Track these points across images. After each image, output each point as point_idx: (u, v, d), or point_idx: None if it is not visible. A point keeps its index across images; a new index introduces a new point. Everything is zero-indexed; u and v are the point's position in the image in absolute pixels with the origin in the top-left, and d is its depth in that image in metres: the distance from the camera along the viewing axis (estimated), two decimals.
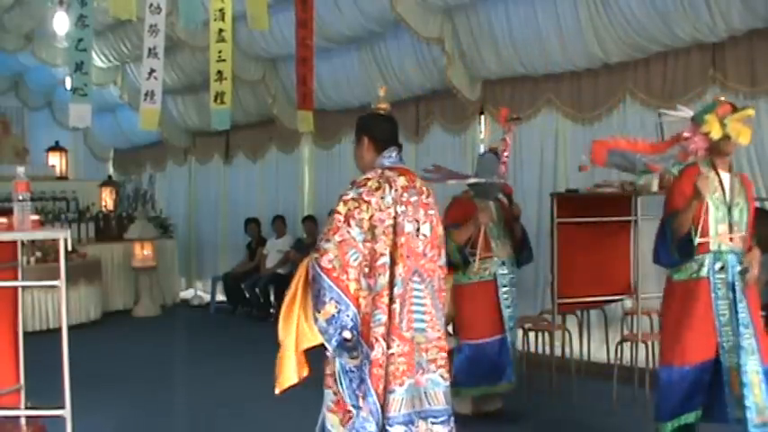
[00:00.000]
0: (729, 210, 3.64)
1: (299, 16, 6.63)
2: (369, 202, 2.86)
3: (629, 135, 5.54)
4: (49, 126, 13.22)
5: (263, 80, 9.23)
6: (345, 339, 2.81)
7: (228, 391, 5.81)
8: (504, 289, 4.88)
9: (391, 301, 2.85)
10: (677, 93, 5.95)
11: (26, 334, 3.80)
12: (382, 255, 2.85)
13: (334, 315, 2.79)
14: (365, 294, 2.85)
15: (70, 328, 3.53)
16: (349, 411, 2.84)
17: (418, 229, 2.94)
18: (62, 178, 11.46)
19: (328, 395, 2.90)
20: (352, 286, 2.82)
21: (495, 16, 6.76)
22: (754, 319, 3.59)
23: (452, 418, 2.98)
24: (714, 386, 3.62)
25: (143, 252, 9.79)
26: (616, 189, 5.12)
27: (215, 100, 7.01)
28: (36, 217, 3.55)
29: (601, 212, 5.28)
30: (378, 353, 2.81)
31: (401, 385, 2.84)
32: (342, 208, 2.85)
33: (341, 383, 2.87)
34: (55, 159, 11.75)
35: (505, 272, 4.92)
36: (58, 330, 3.44)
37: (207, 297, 10.73)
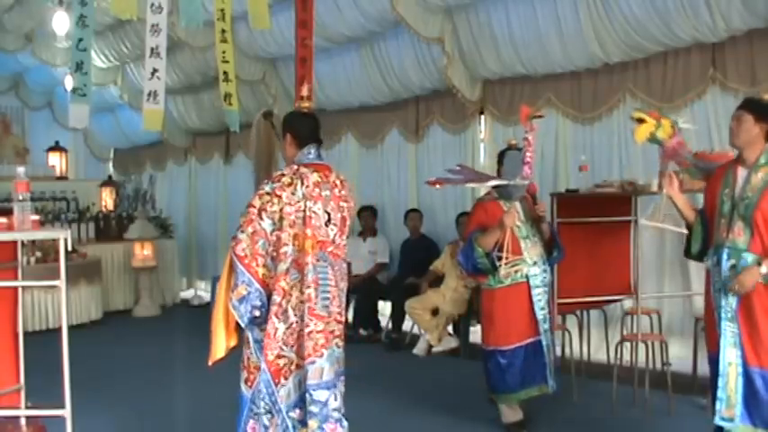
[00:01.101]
0: (734, 205, 3.55)
1: (299, 16, 6.63)
2: (280, 197, 3.24)
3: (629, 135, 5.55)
4: (49, 126, 13.22)
5: (263, 80, 9.24)
6: (255, 317, 3.28)
7: (228, 391, 5.79)
8: (537, 290, 4.67)
9: (305, 285, 3.25)
10: (677, 93, 5.96)
11: (26, 334, 3.81)
12: (286, 244, 3.24)
13: (244, 296, 3.25)
14: (270, 277, 3.27)
15: (70, 328, 3.54)
16: (256, 369, 3.33)
17: (329, 220, 3.33)
18: (62, 178, 11.45)
19: (244, 355, 3.40)
20: (261, 271, 3.26)
21: (495, 16, 6.76)
22: (753, 317, 3.51)
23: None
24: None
25: (143, 252, 9.78)
26: (616, 189, 5.12)
27: (224, 100, 7.06)
28: (36, 217, 3.56)
29: (601, 212, 5.27)
30: (270, 327, 3.24)
31: (321, 356, 3.27)
32: (257, 202, 3.27)
33: (252, 350, 3.35)
34: (55, 159, 11.73)
35: (537, 272, 4.69)
36: (58, 330, 3.45)
37: (207, 297, 10.71)
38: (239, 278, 3.26)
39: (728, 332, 3.53)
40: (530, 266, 4.67)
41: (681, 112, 5.94)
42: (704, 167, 4.11)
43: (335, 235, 3.36)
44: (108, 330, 8.78)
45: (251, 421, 3.36)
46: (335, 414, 3.32)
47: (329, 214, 3.33)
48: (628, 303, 5.69)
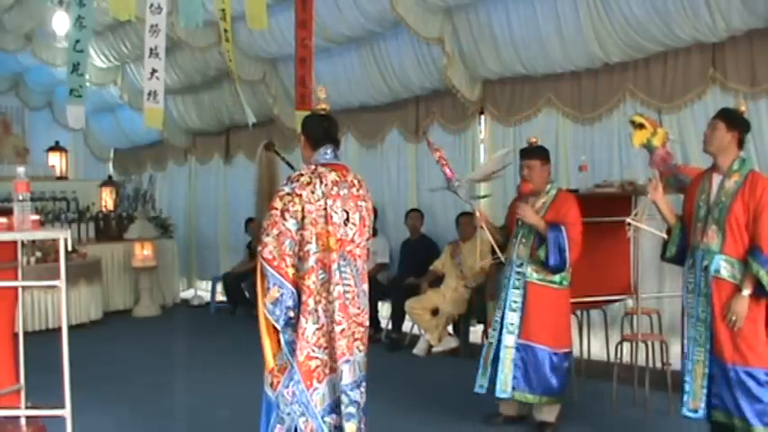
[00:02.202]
0: (709, 210, 3.78)
1: (299, 16, 6.64)
2: (300, 195, 3.25)
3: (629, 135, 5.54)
4: (49, 126, 13.21)
5: (263, 80, 9.24)
6: (290, 317, 3.26)
7: (229, 391, 5.81)
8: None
9: (333, 284, 3.25)
10: (677, 93, 5.96)
11: (26, 334, 3.81)
12: (309, 242, 3.24)
13: (277, 298, 3.24)
14: (300, 277, 3.27)
15: (70, 328, 3.54)
16: (280, 372, 3.30)
17: (347, 219, 3.33)
18: (62, 178, 11.45)
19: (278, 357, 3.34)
20: (290, 271, 3.25)
21: (495, 16, 6.76)
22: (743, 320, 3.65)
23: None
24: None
25: (143, 252, 9.78)
26: (616, 189, 5.12)
27: (238, 98, 7.15)
28: (36, 217, 3.56)
29: (601, 212, 5.27)
30: (299, 327, 3.23)
31: (352, 355, 3.29)
32: (278, 203, 3.26)
33: (284, 352, 3.30)
34: (55, 159, 11.74)
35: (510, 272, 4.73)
36: (58, 330, 3.44)
37: (207, 297, 10.72)
38: (270, 281, 3.24)
39: (697, 332, 3.79)
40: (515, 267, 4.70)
41: (681, 112, 5.97)
42: (682, 180, 4.33)
43: (355, 234, 3.36)
44: (108, 330, 8.78)
45: (278, 426, 3.30)
46: (362, 412, 3.35)
47: (347, 213, 3.34)
48: (628, 303, 5.70)
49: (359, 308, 3.36)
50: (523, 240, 4.65)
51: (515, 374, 4.55)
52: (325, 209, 3.26)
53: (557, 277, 4.59)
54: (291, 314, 3.25)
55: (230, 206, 10.99)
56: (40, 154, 11.96)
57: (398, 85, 8.04)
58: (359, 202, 3.41)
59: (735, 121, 3.82)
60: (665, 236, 4.06)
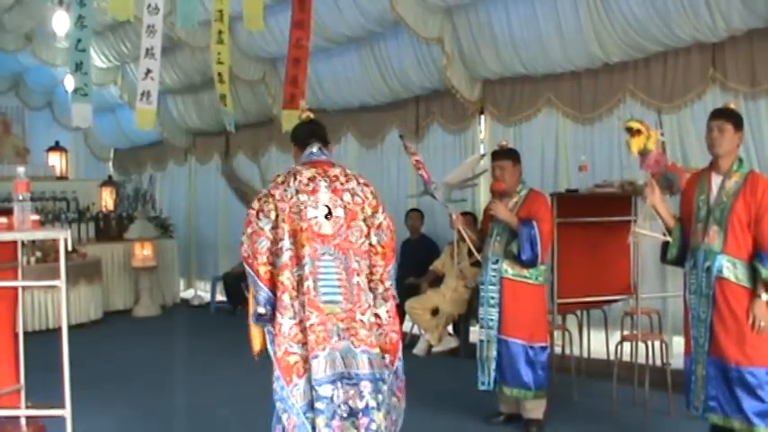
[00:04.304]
0: (710, 210, 3.76)
1: (296, 17, 6.64)
2: (273, 195, 3.31)
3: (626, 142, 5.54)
4: (49, 126, 13.22)
5: (264, 80, 9.23)
6: (260, 314, 3.29)
7: (229, 391, 5.81)
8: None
9: (304, 278, 3.24)
10: (677, 93, 5.96)
11: (26, 334, 3.80)
12: (281, 239, 3.27)
13: (254, 295, 3.31)
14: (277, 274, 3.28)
15: (70, 328, 3.53)
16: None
17: (329, 213, 3.31)
18: (62, 178, 11.45)
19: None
20: (263, 269, 3.27)
21: (495, 16, 6.76)
22: (737, 319, 3.65)
23: (381, 383, 3.34)
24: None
25: (143, 252, 9.79)
26: (616, 189, 5.12)
27: (221, 102, 7.07)
28: (36, 217, 3.55)
29: (601, 212, 5.27)
30: (276, 323, 3.25)
31: (323, 350, 3.23)
32: (256, 204, 3.34)
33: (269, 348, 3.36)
34: (55, 159, 11.74)
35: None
36: (58, 330, 3.44)
37: (207, 297, 10.73)
38: (249, 278, 3.34)
39: (698, 332, 3.78)
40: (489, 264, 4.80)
41: (681, 112, 5.97)
42: (669, 178, 4.35)
43: (341, 228, 3.32)
44: (108, 330, 8.79)
45: (278, 426, 3.29)
46: (341, 411, 3.24)
47: (328, 207, 3.31)
48: (629, 303, 5.69)
49: (352, 302, 3.29)
50: (498, 238, 4.78)
51: (495, 368, 4.71)
52: (299, 205, 3.28)
53: (531, 273, 4.68)
54: (262, 310, 3.28)
55: (230, 206, 10.98)
56: (40, 154, 11.97)
57: (398, 85, 8.04)
58: (344, 196, 3.36)
59: (740, 122, 3.80)
60: (669, 238, 4.03)
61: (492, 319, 4.73)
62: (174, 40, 8.58)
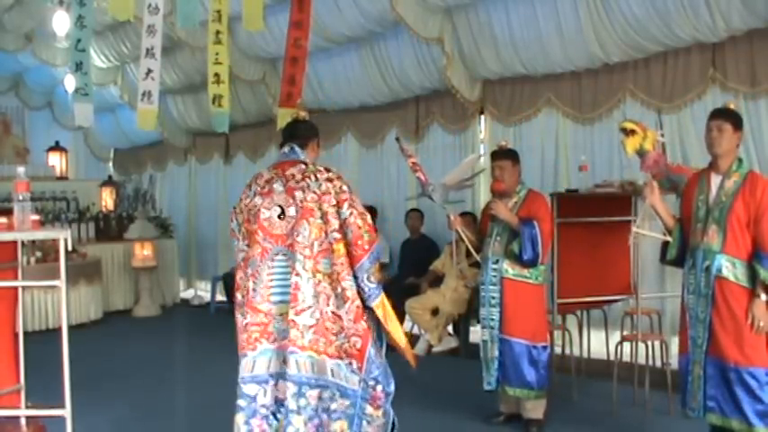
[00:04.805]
0: (709, 210, 3.76)
1: (295, 17, 6.63)
2: (241, 199, 3.47)
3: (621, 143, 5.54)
4: (49, 126, 13.22)
5: (263, 80, 9.22)
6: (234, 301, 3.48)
7: (229, 391, 5.80)
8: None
9: (246, 279, 3.34)
10: (677, 93, 5.96)
11: (26, 334, 3.80)
12: (238, 239, 3.47)
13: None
14: None
15: (70, 327, 3.53)
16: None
17: (282, 213, 3.31)
18: (62, 178, 11.45)
19: None
20: (239, 272, 3.44)
21: (495, 16, 6.76)
22: (736, 318, 3.64)
23: (307, 387, 3.26)
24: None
25: (143, 252, 9.79)
26: (616, 189, 5.12)
27: (213, 103, 7.01)
28: (36, 217, 3.55)
29: (601, 212, 5.27)
30: (237, 319, 3.39)
31: (253, 350, 3.29)
32: (236, 208, 3.52)
33: None
34: (55, 159, 11.74)
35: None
36: (58, 330, 3.44)
37: (207, 297, 10.73)
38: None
39: (696, 332, 3.78)
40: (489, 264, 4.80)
41: (681, 112, 5.96)
42: (674, 179, 4.32)
43: (294, 227, 3.26)
44: (108, 330, 8.79)
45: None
46: (263, 410, 3.30)
47: (281, 207, 3.32)
48: (629, 303, 5.69)
49: (303, 301, 3.22)
50: (498, 238, 4.77)
51: (498, 368, 4.71)
52: (253, 207, 3.37)
53: (531, 273, 4.68)
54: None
55: (230, 206, 10.91)
56: (40, 154, 11.97)
57: (398, 85, 8.04)
58: (296, 194, 3.28)
59: (740, 122, 3.81)
60: (669, 238, 4.03)
61: (493, 319, 4.74)
62: (174, 40, 8.57)
